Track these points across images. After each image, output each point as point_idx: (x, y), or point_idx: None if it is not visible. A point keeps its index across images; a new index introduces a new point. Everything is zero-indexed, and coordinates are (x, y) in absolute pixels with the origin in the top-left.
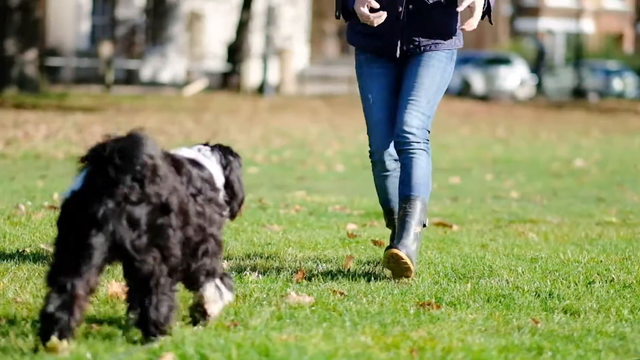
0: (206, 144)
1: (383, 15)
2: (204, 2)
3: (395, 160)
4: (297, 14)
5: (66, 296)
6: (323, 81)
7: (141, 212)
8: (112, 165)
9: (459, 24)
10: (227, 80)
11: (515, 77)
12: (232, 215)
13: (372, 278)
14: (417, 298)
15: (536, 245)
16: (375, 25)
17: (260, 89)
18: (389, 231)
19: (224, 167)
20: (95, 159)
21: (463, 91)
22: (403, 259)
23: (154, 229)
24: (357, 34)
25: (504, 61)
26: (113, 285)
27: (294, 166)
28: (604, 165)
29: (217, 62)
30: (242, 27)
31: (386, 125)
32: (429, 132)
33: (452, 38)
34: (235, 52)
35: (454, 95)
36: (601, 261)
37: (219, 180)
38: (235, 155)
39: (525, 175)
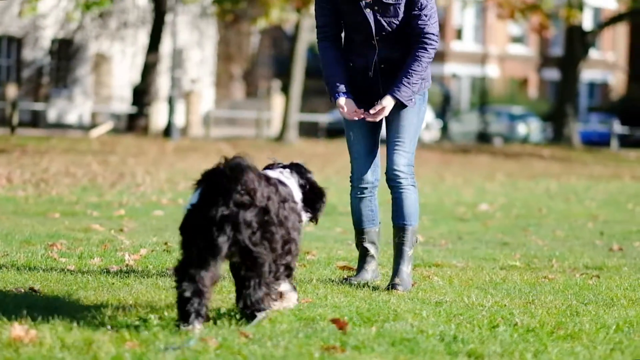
0: (284, 167)
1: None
2: (110, 44)
3: (371, 186)
4: (204, 56)
5: (196, 285)
6: (229, 124)
7: (251, 214)
8: (226, 178)
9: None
10: (134, 122)
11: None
12: (316, 219)
13: (278, 321)
14: (322, 342)
15: (441, 289)
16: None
17: (167, 132)
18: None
19: (302, 186)
20: (210, 176)
21: None
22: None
23: (262, 227)
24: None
25: None
26: (16, 328)
27: None
28: (509, 210)
29: (123, 104)
30: (149, 69)
31: (365, 158)
32: (413, 167)
33: (421, 82)
34: (142, 94)
35: None
36: (505, 305)
37: (297, 195)
38: (308, 171)
39: (431, 219)
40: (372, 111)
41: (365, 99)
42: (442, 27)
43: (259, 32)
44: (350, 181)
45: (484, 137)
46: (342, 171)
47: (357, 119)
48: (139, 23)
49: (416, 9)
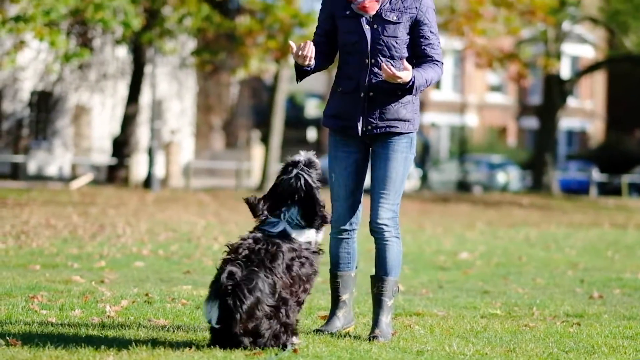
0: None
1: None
2: (90, 95)
3: (350, 229)
4: (184, 107)
5: None
6: (210, 174)
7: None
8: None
9: (413, 112)
10: (114, 173)
11: None
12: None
13: None
14: None
15: (422, 338)
16: (306, 63)
17: (147, 183)
18: None
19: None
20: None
21: None
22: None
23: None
24: (327, 117)
25: None
26: None
27: (181, 260)
28: (489, 258)
29: (103, 155)
30: (129, 120)
31: (345, 201)
32: (397, 217)
33: (406, 123)
34: (122, 145)
35: None
36: (486, 354)
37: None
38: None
39: (411, 268)
40: (392, 70)
41: (348, 123)
42: None
43: (238, 82)
44: (330, 222)
45: (463, 186)
46: None
47: (305, 52)
48: (118, 75)
49: (422, 35)
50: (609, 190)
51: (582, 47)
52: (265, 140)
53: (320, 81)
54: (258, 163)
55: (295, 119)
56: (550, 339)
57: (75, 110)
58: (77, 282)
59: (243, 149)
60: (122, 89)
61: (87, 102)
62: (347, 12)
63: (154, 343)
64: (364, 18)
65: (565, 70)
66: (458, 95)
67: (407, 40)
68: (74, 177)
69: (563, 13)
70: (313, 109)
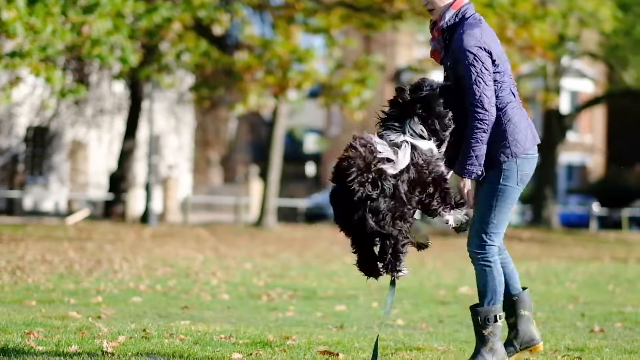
0: None
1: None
2: (86, 131)
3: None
4: (181, 142)
5: None
6: (207, 209)
7: None
8: None
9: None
10: (111, 209)
11: None
12: None
13: None
14: None
15: None
16: None
17: (144, 218)
18: None
19: None
20: None
21: None
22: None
23: None
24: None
25: None
26: None
27: (179, 295)
28: None
29: (100, 191)
30: (126, 156)
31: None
32: (490, 244)
33: (497, 160)
34: (119, 180)
35: None
36: None
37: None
38: None
39: (412, 302)
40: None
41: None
42: None
43: (237, 118)
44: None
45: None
46: (322, 255)
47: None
48: (115, 110)
49: (464, 77)
50: (609, 224)
51: (582, 81)
52: (263, 175)
53: (319, 116)
54: (256, 198)
55: (294, 154)
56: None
57: (72, 145)
58: (73, 318)
59: (241, 183)
60: (119, 124)
61: (84, 137)
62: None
63: None
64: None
65: (564, 105)
66: None
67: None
68: (70, 212)
69: (562, 48)
70: (312, 144)
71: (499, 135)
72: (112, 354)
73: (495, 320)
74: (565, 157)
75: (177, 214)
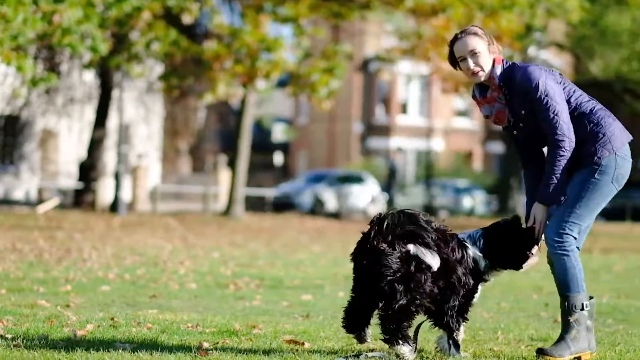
0: None
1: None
2: (57, 120)
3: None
4: (151, 132)
5: None
6: (176, 198)
7: None
8: None
9: (591, 146)
10: (81, 198)
11: (367, 194)
12: None
13: None
14: None
15: None
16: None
17: (114, 207)
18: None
19: None
20: None
21: (315, 209)
22: None
23: None
24: None
25: (356, 179)
26: None
27: (147, 284)
28: None
29: (70, 180)
30: (96, 145)
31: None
32: (570, 235)
33: (587, 157)
34: (89, 169)
35: (305, 213)
36: None
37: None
38: None
39: None
40: (529, 224)
41: None
42: (387, 101)
43: (206, 107)
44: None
45: (429, 210)
46: (289, 245)
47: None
48: (85, 99)
49: (540, 112)
50: None
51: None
52: (232, 164)
53: (287, 106)
54: (225, 187)
55: (262, 144)
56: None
57: (42, 134)
58: (42, 306)
59: (210, 173)
60: (89, 113)
61: (54, 126)
62: (502, 128)
63: None
64: (509, 127)
65: None
66: (424, 120)
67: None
68: (40, 201)
69: (529, 38)
70: (280, 133)
71: (594, 133)
72: (81, 342)
73: (582, 308)
74: None
75: (146, 203)
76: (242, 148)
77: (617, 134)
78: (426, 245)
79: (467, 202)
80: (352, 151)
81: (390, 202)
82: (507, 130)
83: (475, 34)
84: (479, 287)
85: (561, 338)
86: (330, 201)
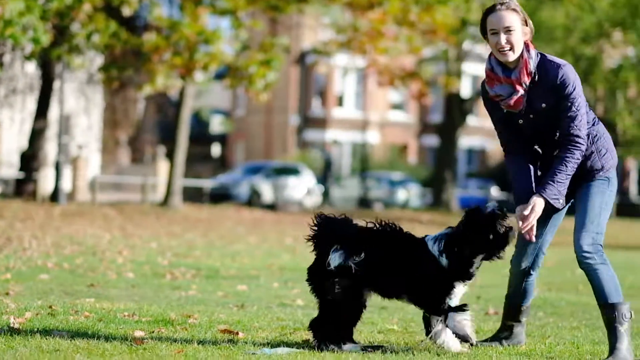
0: None
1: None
2: None
3: (526, 271)
4: (91, 122)
5: None
6: (115, 189)
7: None
8: None
9: (600, 159)
10: (22, 187)
11: (303, 186)
12: None
13: None
14: None
15: (320, 352)
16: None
17: (54, 197)
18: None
19: None
20: None
21: (252, 200)
22: None
23: None
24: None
25: (292, 171)
26: None
27: (85, 273)
28: None
29: (11, 169)
30: (37, 135)
31: (528, 248)
32: (601, 246)
33: (598, 171)
34: (30, 159)
35: (242, 204)
36: None
37: None
38: None
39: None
40: (525, 212)
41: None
42: (323, 94)
43: (145, 98)
44: (510, 261)
45: (364, 203)
46: (226, 236)
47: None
48: (27, 90)
49: (562, 111)
50: (507, 208)
51: (483, 66)
52: (170, 155)
53: (225, 98)
54: (163, 178)
55: (201, 135)
56: (444, 355)
57: None
58: None
59: (149, 164)
60: (31, 104)
61: None
62: (504, 110)
63: (58, 353)
64: (517, 113)
65: (465, 90)
66: (360, 112)
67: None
68: None
69: (464, 32)
70: (218, 125)
71: (605, 146)
72: (19, 330)
73: (631, 316)
74: (466, 141)
75: (86, 193)
76: (180, 139)
77: (614, 152)
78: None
79: (401, 194)
80: (288, 143)
81: (325, 194)
82: (511, 116)
83: (515, 10)
84: (456, 283)
85: (616, 349)
86: (267, 193)
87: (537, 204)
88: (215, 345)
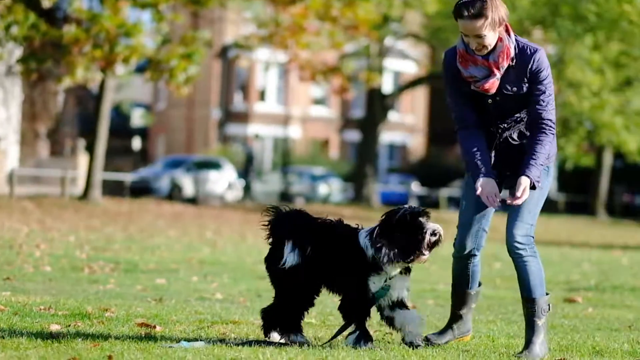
0: None
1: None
2: None
3: (470, 254)
4: (9, 115)
5: None
6: (34, 182)
7: None
8: None
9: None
10: None
11: (224, 180)
12: None
13: None
14: None
15: (237, 346)
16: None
17: None
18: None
19: None
20: None
21: (173, 194)
22: None
23: None
24: None
25: (214, 165)
26: None
27: (1, 267)
28: None
29: None
30: None
31: (468, 227)
32: (533, 237)
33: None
34: None
35: (163, 198)
36: None
37: None
38: None
39: (231, 277)
40: (517, 194)
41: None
42: (245, 88)
43: (64, 91)
44: (454, 245)
45: (286, 197)
46: (146, 229)
47: (494, 204)
48: None
49: (535, 95)
50: (428, 203)
51: (404, 62)
52: (90, 148)
53: (146, 91)
54: (83, 171)
55: (121, 128)
56: (362, 348)
57: None
58: None
59: (68, 157)
60: None
61: None
62: (471, 88)
63: None
64: (486, 95)
65: (387, 85)
66: (282, 107)
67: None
68: None
69: (386, 29)
70: (138, 118)
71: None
72: None
73: (549, 309)
74: (387, 136)
75: (4, 186)
76: (100, 132)
77: (555, 140)
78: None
79: (323, 189)
80: (210, 137)
81: (247, 189)
82: (479, 95)
83: (481, 15)
84: (370, 279)
85: (531, 343)
86: (188, 186)
87: (526, 186)
88: (132, 339)
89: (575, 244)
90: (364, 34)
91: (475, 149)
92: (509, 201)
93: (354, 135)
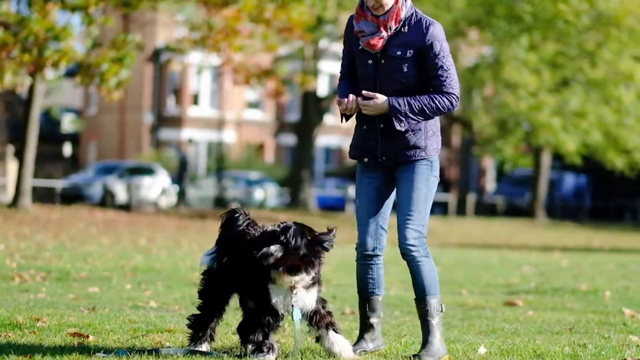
0: None
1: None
2: None
3: (373, 254)
4: None
5: None
6: None
7: None
8: None
9: (425, 139)
10: None
11: (157, 186)
12: None
13: None
14: None
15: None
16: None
17: None
18: None
19: None
20: None
21: (105, 200)
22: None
23: None
24: (350, 148)
25: (147, 171)
26: None
27: None
28: None
29: None
30: None
31: (368, 227)
32: (425, 238)
33: (417, 150)
34: None
35: (95, 205)
36: None
37: None
38: None
39: (165, 284)
40: (364, 94)
41: (366, 154)
42: (178, 92)
43: None
44: (356, 247)
45: (221, 202)
46: (78, 237)
47: (348, 105)
48: None
49: (433, 70)
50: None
51: (339, 65)
52: (19, 154)
53: (77, 96)
54: (12, 178)
55: (51, 134)
56: (305, 354)
57: None
58: None
59: None
60: None
61: None
62: (360, 47)
63: None
64: (371, 54)
65: (322, 88)
66: (216, 111)
67: (419, 73)
68: None
69: (320, 31)
70: (69, 123)
71: (433, 128)
72: None
73: (442, 310)
74: (323, 140)
75: None
76: (30, 138)
77: (440, 137)
78: None
79: (258, 194)
80: (143, 142)
81: (181, 194)
82: (364, 54)
83: None
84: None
85: (428, 342)
86: (121, 193)
87: (381, 101)
88: (65, 349)
89: (514, 247)
90: (298, 36)
91: (343, 89)
92: (359, 99)
93: (290, 139)
